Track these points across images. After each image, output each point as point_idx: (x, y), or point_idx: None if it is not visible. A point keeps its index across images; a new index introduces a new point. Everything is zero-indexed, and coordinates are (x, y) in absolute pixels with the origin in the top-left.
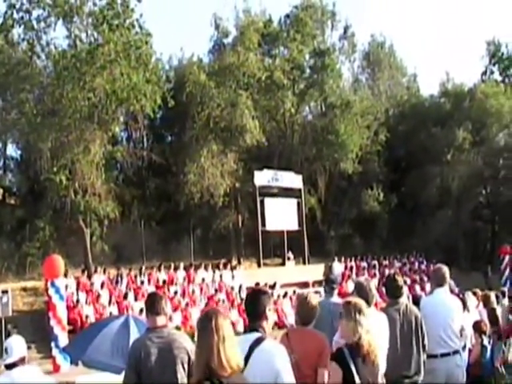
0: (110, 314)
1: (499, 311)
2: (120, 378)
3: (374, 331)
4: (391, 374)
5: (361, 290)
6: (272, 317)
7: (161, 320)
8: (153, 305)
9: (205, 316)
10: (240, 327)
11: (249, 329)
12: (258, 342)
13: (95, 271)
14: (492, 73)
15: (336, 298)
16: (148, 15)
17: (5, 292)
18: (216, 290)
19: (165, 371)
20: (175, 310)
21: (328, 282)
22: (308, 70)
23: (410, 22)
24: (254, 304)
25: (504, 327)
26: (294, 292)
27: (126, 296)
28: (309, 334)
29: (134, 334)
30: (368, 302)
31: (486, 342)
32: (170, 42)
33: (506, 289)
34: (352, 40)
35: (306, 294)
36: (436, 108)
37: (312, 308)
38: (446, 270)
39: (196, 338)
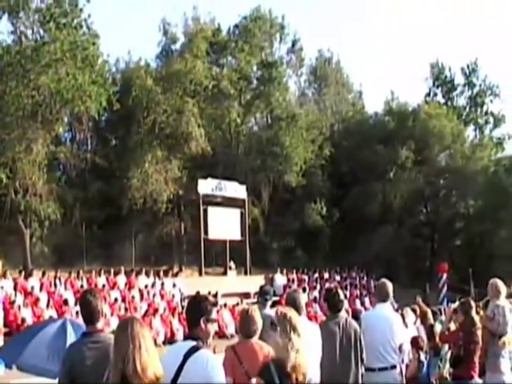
0: (50, 317)
1: (438, 327)
2: (55, 382)
3: (305, 347)
4: None
5: (291, 302)
6: (212, 327)
7: (97, 325)
8: (87, 311)
9: (121, 323)
10: (180, 335)
11: (186, 337)
12: (192, 350)
13: (30, 274)
14: (435, 95)
15: (268, 310)
16: (96, 16)
17: None
18: (154, 295)
19: (101, 377)
20: (112, 313)
21: (262, 294)
22: (255, 81)
23: (357, 39)
24: (191, 311)
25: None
26: (238, 303)
27: (66, 302)
28: (255, 345)
29: (72, 338)
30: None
31: (422, 357)
32: (117, 45)
33: (442, 307)
34: (300, 54)
35: (248, 308)
36: (380, 126)
37: (254, 322)
38: (389, 285)
39: (113, 345)
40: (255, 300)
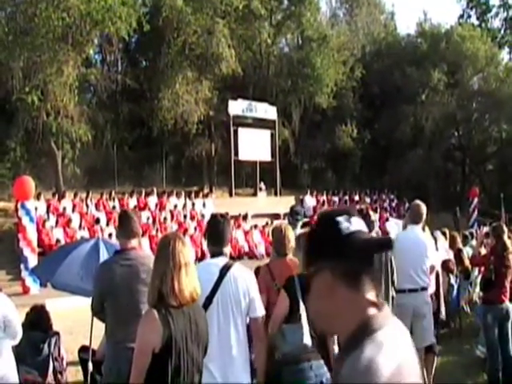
0: (82, 237)
1: (469, 251)
2: (88, 300)
3: None
4: None
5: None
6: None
7: (133, 242)
8: (125, 226)
9: (163, 240)
10: None
11: (215, 254)
12: (228, 266)
13: (62, 196)
14: (469, 16)
15: (299, 230)
16: None
17: None
18: (185, 217)
19: (131, 294)
20: (144, 234)
21: (292, 214)
22: (286, 2)
23: None
24: (221, 229)
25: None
26: (267, 223)
27: (98, 221)
28: (289, 262)
29: (104, 257)
30: None
31: (452, 280)
32: None
33: (473, 230)
34: None
35: (281, 225)
36: (412, 48)
37: (288, 240)
38: (424, 208)
39: (153, 262)
40: (285, 221)
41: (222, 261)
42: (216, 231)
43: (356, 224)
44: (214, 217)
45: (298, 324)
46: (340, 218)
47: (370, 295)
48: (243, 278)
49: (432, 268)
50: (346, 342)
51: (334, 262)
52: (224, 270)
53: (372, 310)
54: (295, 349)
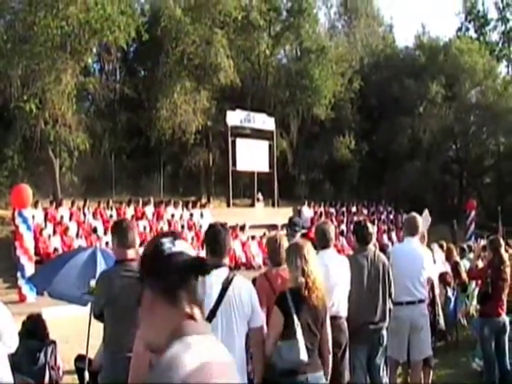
0: (79, 246)
1: (466, 264)
2: (85, 309)
3: (318, 270)
4: (357, 320)
5: (320, 234)
6: None
7: (130, 253)
8: (122, 236)
9: None
10: None
11: (216, 265)
12: (231, 278)
13: (60, 204)
14: (467, 29)
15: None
16: None
17: None
18: (183, 227)
19: (130, 305)
20: (142, 243)
21: (291, 225)
22: (284, 13)
23: None
24: (221, 239)
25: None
26: (265, 234)
27: (95, 229)
28: (286, 272)
29: (101, 266)
30: (326, 245)
31: (450, 293)
32: None
33: (470, 243)
34: None
35: (276, 235)
36: (410, 60)
37: (283, 249)
38: (419, 220)
39: None
40: (283, 232)
41: (223, 272)
42: (215, 241)
43: (179, 246)
44: (212, 226)
45: (293, 340)
46: (164, 240)
47: (188, 309)
48: (245, 290)
49: (428, 280)
50: (161, 349)
51: (154, 279)
52: (226, 283)
53: (187, 321)
54: (292, 365)
